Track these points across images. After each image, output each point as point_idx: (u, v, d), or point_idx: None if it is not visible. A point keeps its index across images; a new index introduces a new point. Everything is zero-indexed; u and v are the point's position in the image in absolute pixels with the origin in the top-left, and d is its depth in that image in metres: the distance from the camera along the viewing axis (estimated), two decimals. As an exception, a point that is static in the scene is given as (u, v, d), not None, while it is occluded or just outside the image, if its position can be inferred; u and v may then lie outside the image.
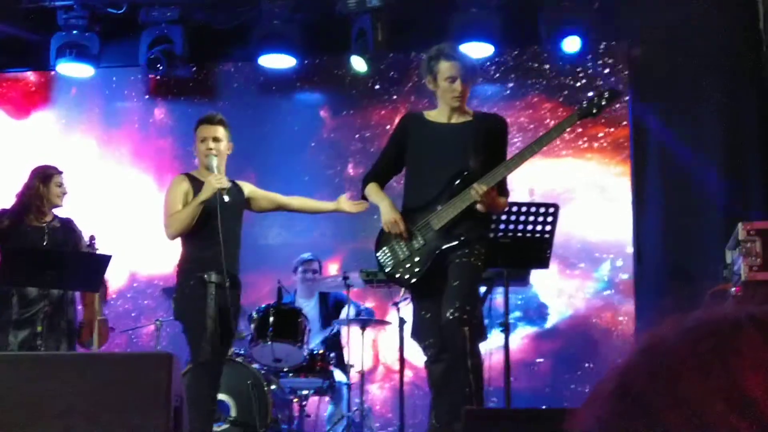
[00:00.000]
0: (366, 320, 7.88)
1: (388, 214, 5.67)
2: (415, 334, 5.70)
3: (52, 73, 9.97)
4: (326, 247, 9.36)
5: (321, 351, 7.68)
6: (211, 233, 6.21)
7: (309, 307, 8.12)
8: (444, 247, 5.48)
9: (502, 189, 5.63)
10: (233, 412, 6.84)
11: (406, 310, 7.22)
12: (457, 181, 5.52)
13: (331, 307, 8.42)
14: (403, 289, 6.02)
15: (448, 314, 5.31)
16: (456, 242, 5.47)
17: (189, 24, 9.55)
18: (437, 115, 5.79)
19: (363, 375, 7.73)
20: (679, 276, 8.38)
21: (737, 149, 8.70)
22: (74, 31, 9.47)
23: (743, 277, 5.79)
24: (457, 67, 5.65)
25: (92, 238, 7.43)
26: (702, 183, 8.76)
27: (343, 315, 7.89)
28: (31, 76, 10.40)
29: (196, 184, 6.38)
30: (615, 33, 9.30)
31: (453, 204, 5.48)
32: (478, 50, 9.15)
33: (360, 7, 8.93)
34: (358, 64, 9.17)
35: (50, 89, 10.33)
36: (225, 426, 6.81)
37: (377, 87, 9.84)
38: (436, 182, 5.59)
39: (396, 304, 7.31)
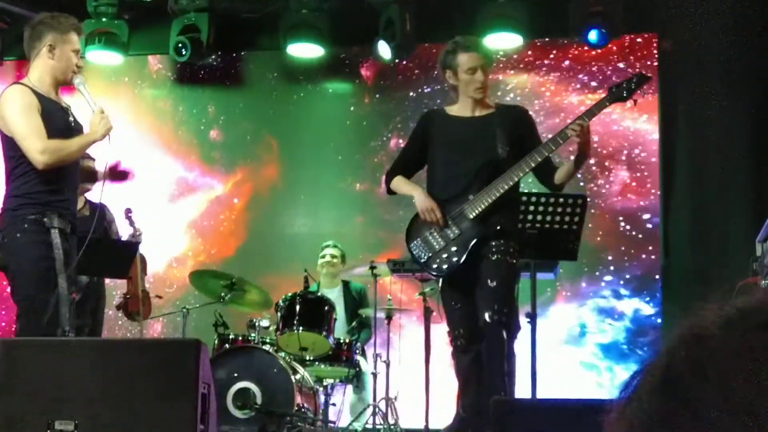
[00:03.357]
0: (391, 309, 7.88)
1: (423, 201, 5.60)
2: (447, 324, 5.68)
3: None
4: (353, 236, 9.38)
5: (347, 340, 7.68)
6: (59, 167, 5.39)
7: (333, 296, 8.11)
8: (482, 235, 5.45)
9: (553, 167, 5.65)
10: (259, 400, 6.84)
11: (432, 300, 7.22)
12: (489, 170, 5.51)
13: (355, 296, 8.43)
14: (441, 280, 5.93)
15: (486, 317, 5.30)
16: (492, 231, 5.44)
17: (217, 12, 9.58)
18: (459, 109, 5.77)
19: (388, 364, 7.72)
20: (707, 268, 8.33)
21: (766, 141, 8.64)
22: (103, 19, 9.51)
23: (773, 271, 5.76)
24: (476, 58, 5.64)
25: (128, 211, 7.51)
26: (731, 175, 8.71)
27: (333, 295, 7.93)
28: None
29: (43, 101, 5.39)
30: (645, 25, 9.25)
31: (487, 192, 5.46)
32: (506, 41, 9.13)
33: (389, -4, 8.94)
34: (384, 50, 9.14)
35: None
36: (251, 413, 6.82)
37: (406, 76, 9.85)
38: (464, 173, 5.56)
39: (422, 293, 7.31)
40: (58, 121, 5.45)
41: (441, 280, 5.71)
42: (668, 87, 9.17)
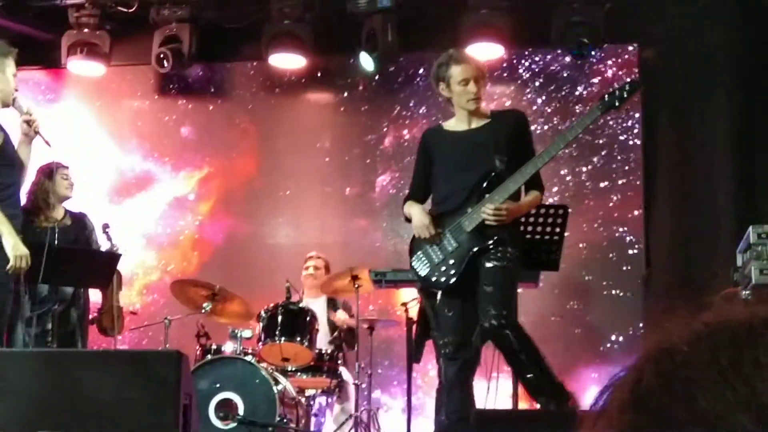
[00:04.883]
0: (374, 320, 7.89)
1: (417, 218, 5.69)
2: (436, 330, 5.72)
3: (63, 71, 9.99)
4: (335, 245, 9.35)
5: (329, 350, 7.68)
6: (15, 189, 5.71)
7: (317, 306, 8.11)
8: (477, 248, 5.50)
9: (535, 184, 5.67)
10: (241, 411, 6.84)
11: (414, 311, 7.22)
12: (486, 183, 5.55)
13: (340, 306, 8.42)
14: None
15: (486, 324, 5.34)
16: (490, 242, 5.48)
17: (199, 23, 9.58)
18: (455, 123, 5.81)
19: (370, 375, 7.73)
20: (688, 279, 8.35)
21: (748, 151, 8.68)
22: (85, 30, 9.50)
23: (754, 281, 5.79)
24: (469, 69, 5.66)
25: (106, 226, 7.52)
26: (713, 185, 8.75)
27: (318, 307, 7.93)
28: (42, 74, 10.41)
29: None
30: (626, 34, 9.29)
31: (483, 205, 5.51)
32: (488, 51, 9.15)
33: (370, 7, 8.94)
34: (366, 62, 9.16)
35: (61, 87, 10.34)
36: (233, 425, 6.81)
37: (387, 88, 9.84)
38: (464, 187, 5.61)
39: (405, 304, 7.31)
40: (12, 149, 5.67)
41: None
42: (650, 97, 9.20)
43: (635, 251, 9.09)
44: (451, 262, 5.58)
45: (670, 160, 9.09)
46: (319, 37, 9.43)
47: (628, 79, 5.76)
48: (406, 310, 7.32)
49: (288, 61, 9.56)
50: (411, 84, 9.77)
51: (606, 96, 5.62)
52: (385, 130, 9.80)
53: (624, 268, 9.09)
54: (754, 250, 5.80)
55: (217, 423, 6.81)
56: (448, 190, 5.70)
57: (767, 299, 0.90)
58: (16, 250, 5.49)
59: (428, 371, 8.27)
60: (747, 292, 5.88)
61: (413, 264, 5.76)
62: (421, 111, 9.62)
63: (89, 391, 4.36)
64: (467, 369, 5.54)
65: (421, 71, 9.57)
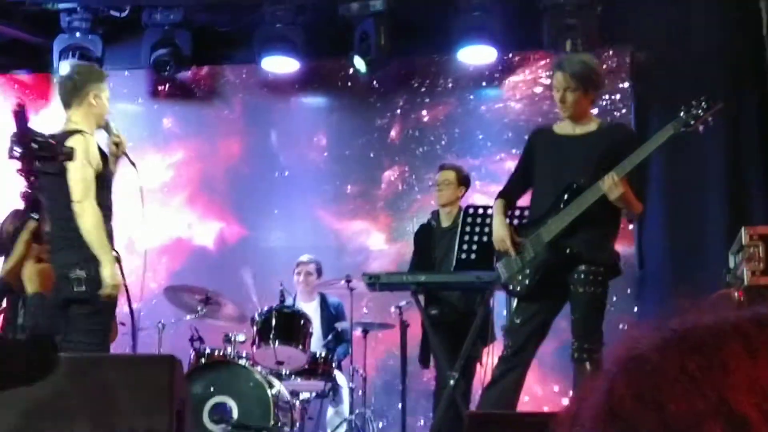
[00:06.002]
0: (368, 323, 7.89)
1: (496, 230, 5.73)
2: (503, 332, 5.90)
3: (55, 75, 9.97)
4: (328, 249, 9.33)
5: (324, 354, 7.68)
6: (108, 202, 5.91)
7: (310, 309, 8.10)
8: (552, 261, 5.50)
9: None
10: (235, 415, 6.83)
11: (408, 314, 7.22)
12: (566, 195, 5.49)
13: (332, 309, 8.41)
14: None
15: (570, 353, 5.47)
16: (565, 256, 5.47)
17: (191, 26, 9.58)
18: (563, 126, 5.76)
19: (365, 378, 7.72)
20: (681, 280, 8.36)
21: (740, 153, 8.69)
22: (77, 34, 9.49)
23: (746, 282, 5.78)
24: (563, 80, 5.56)
25: None
26: (705, 187, 8.75)
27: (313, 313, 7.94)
28: (33, 78, 10.39)
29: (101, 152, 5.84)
30: (618, 37, 9.29)
31: (561, 217, 5.48)
32: (480, 54, 9.16)
33: (363, 11, 8.95)
34: (359, 64, 9.17)
35: (52, 91, 10.31)
36: (227, 428, 6.81)
37: (380, 90, 9.82)
38: (551, 194, 5.58)
39: (399, 307, 7.31)
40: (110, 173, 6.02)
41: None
42: (642, 100, 9.21)
43: (628, 254, 9.09)
44: (527, 271, 5.60)
45: (662, 163, 9.09)
46: (312, 41, 9.43)
47: (704, 97, 5.54)
48: (400, 314, 7.32)
49: (280, 64, 9.57)
50: (408, 84, 9.76)
51: (682, 113, 5.50)
52: (398, 112, 9.75)
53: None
54: (747, 252, 5.80)
55: (212, 427, 6.81)
56: (538, 195, 5.72)
57: (760, 302, 0.90)
58: (112, 279, 5.54)
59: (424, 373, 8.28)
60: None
61: (498, 269, 5.80)
62: (426, 101, 9.60)
63: (81, 395, 4.35)
64: (517, 371, 5.63)
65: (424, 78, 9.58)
